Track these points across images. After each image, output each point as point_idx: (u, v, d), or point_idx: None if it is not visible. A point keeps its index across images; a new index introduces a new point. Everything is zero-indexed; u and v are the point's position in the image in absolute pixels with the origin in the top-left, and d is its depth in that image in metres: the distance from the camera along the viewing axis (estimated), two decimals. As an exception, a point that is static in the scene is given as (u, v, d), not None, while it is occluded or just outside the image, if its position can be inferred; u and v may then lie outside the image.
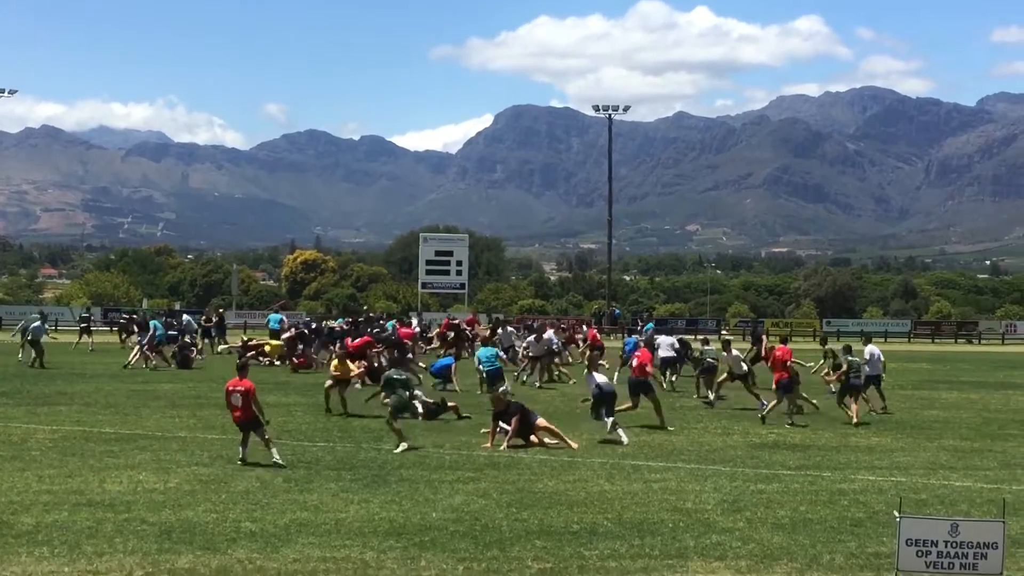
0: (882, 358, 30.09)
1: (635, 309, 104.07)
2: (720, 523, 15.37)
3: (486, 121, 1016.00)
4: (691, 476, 19.03)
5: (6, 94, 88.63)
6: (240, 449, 19.85)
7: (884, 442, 23.82)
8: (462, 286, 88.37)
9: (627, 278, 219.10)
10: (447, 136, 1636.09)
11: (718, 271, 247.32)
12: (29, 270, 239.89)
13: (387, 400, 22.70)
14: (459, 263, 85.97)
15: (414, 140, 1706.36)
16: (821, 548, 14.01)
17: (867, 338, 32.46)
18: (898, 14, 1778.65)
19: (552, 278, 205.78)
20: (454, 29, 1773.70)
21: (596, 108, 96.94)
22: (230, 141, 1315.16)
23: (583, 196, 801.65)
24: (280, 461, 19.39)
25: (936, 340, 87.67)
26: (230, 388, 20.17)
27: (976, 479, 19.39)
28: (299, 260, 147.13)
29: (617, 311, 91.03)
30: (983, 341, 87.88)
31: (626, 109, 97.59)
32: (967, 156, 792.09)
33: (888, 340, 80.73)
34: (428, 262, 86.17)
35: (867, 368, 28.73)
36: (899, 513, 11.67)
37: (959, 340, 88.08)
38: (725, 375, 30.37)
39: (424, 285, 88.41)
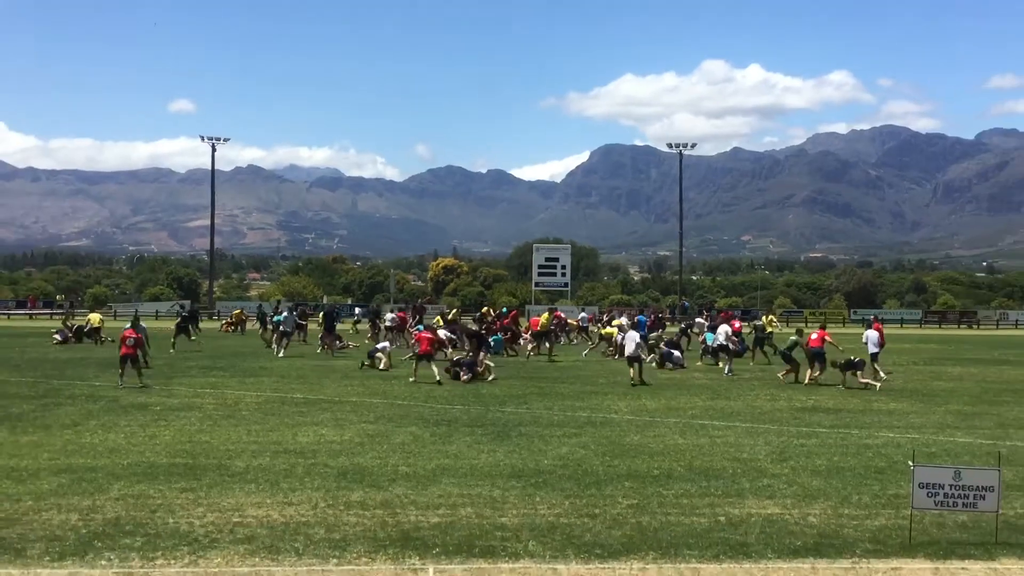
0: (875, 341, 30.11)
1: (700, 303, 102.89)
2: (770, 470, 15.16)
3: (583, 157, 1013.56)
4: (746, 433, 18.79)
5: (222, 141, 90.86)
6: (119, 380, 25.28)
7: (901, 407, 23.28)
8: (566, 285, 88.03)
9: (694, 278, 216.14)
10: (553, 169, 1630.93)
11: (766, 272, 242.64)
12: (239, 275, 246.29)
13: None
14: (563, 267, 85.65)
15: (528, 172, 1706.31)
16: (851, 490, 13.75)
17: (867, 324, 32.95)
18: (913, 66, 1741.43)
19: (635, 278, 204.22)
20: (558, 86, 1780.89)
21: (670, 145, 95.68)
22: (388, 175, 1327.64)
23: (660, 214, 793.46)
24: (142, 384, 24.98)
25: (942, 326, 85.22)
26: (125, 335, 25.88)
27: (976, 436, 18.85)
28: (440, 266, 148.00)
29: (687, 304, 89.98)
30: (981, 326, 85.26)
31: (693, 146, 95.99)
32: (967, 180, 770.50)
33: (903, 326, 78.88)
34: (540, 267, 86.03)
35: (870, 347, 29.68)
36: (913, 463, 11.41)
37: (961, 326, 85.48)
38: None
39: (537, 284, 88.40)
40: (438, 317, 44.92)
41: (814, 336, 28.70)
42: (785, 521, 11.97)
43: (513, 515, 12.03)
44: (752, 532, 11.43)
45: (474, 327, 37.31)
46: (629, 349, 28.40)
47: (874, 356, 29.43)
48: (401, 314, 41.19)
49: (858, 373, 27.09)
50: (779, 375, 28.66)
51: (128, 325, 27.77)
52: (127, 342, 25.69)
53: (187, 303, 60.78)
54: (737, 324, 39.16)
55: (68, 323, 46.18)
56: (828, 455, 16.49)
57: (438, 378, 26.52)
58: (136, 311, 65.55)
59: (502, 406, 22.26)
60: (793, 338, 29.60)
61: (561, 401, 23.40)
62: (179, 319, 42.11)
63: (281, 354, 35.73)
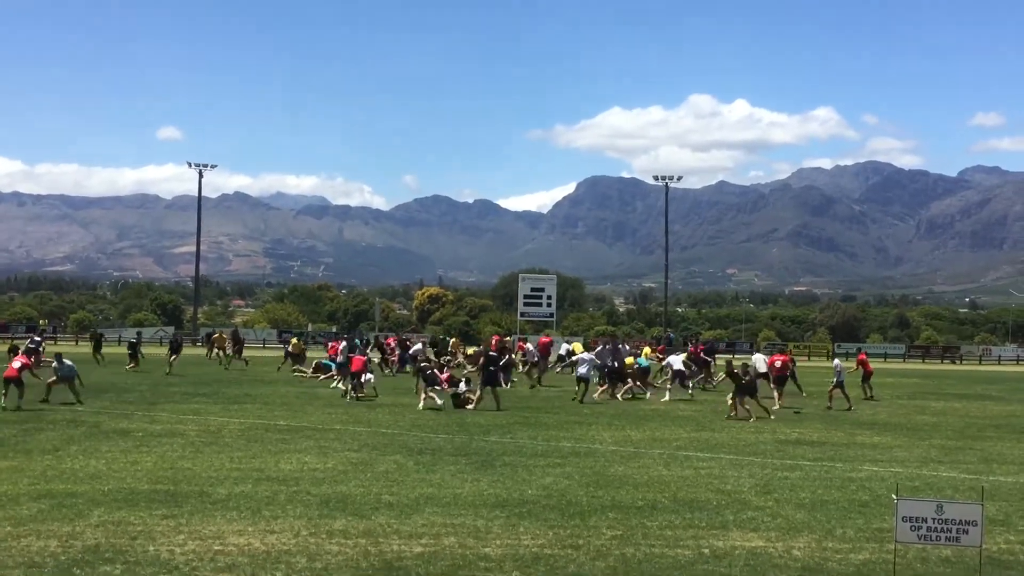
0: (843, 370, 31.59)
1: (685, 335, 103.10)
2: (754, 502, 15.14)
3: (570, 188, 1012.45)
4: (731, 465, 18.77)
5: (209, 168, 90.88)
6: (2, 398, 25.20)
7: (885, 440, 23.31)
8: (551, 315, 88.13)
9: (679, 310, 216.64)
10: (540, 199, 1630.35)
11: (751, 305, 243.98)
12: (223, 301, 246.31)
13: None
14: (549, 297, 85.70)
15: (514, 202, 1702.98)
16: (835, 523, 13.74)
17: (834, 354, 34.36)
18: (897, 103, 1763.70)
19: (621, 310, 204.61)
20: (544, 117, 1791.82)
21: (656, 178, 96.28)
22: (375, 204, 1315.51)
23: (645, 246, 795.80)
24: (8, 407, 24.64)
25: (926, 360, 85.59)
26: (13, 362, 25.94)
27: (959, 471, 18.88)
28: (426, 295, 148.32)
29: (672, 335, 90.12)
30: (964, 361, 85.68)
31: (679, 179, 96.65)
32: (950, 216, 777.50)
33: (887, 360, 79.12)
34: (525, 296, 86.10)
35: (836, 377, 30.83)
36: (897, 496, 11.40)
37: (944, 361, 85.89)
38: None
39: (522, 314, 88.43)
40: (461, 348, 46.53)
41: (778, 364, 29.00)
42: (769, 554, 11.94)
43: (496, 545, 11.96)
44: (736, 565, 11.39)
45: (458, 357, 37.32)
46: (581, 370, 31.24)
47: (839, 384, 30.74)
48: (334, 343, 42.96)
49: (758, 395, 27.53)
50: (730, 413, 26.98)
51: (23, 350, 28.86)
52: (13, 364, 26.04)
53: (139, 332, 61.27)
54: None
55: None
56: (812, 488, 16.47)
57: (348, 396, 29.88)
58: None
59: (486, 435, 22.19)
60: (759, 354, 30.76)
61: (545, 431, 23.33)
62: (128, 347, 44.91)
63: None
